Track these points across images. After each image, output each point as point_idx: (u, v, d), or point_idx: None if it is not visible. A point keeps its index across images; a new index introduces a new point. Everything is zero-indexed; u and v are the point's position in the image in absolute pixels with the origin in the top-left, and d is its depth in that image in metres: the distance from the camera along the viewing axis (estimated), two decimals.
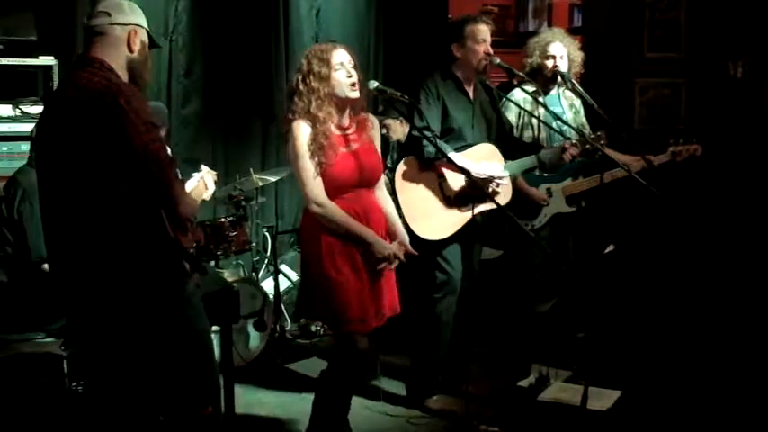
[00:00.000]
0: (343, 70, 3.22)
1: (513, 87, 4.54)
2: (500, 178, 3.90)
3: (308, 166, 3.14)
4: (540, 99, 4.34)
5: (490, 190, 3.84)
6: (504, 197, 3.98)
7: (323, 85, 3.19)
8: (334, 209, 3.17)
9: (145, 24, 2.72)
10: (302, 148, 3.15)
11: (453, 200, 3.92)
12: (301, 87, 3.19)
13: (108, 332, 2.60)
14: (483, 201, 3.83)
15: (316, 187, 3.16)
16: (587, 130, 4.41)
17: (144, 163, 2.48)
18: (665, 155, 4.31)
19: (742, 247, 5.25)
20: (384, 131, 5.22)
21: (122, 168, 2.48)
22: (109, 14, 2.64)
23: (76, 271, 2.57)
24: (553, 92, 4.50)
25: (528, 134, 4.46)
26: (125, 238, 2.51)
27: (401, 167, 3.91)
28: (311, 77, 3.19)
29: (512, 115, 4.43)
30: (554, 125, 4.21)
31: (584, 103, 4.47)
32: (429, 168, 3.90)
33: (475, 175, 3.73)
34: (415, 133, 3.76)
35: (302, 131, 3.15)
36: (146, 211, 2.53)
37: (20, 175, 3.92)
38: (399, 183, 3.88)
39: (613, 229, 5.12)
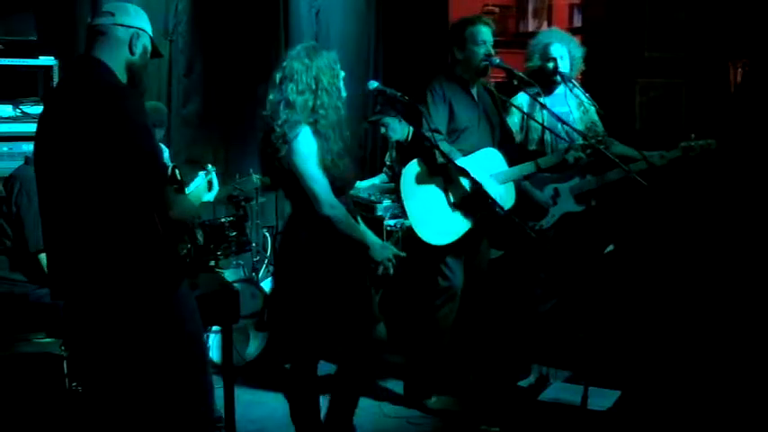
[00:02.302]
0: (340, 72, 3.22)
1: (512, 87, 4.54)
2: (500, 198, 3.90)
3: (319, 170, 3.11)
4: (541, 100, 4.33)
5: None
6: (507, 202, 3.98)
7: (337, 94, 3.17)
8: (343, 209, 3.16)
9: (149, 30, 2.72)
10: (311, 153, 3.10)
11: (459, 205, 3.92)
12: (317, 102, 3.12)
13: (99, 331, 2.60)
14: (487, 209, 3.83)
15: (328, 189, 3.11)
16: (600, 128, 4.40)
17: (137, 166, 2.47)
18: (674, 150, 4.27)
19: (743, 246, 5.25)
20: (383, 131, 5.22)
21: (115, 170, 2.48)
22: (113, 15, 2.65)
23: (72, 269, 2.57)
24: (559, 90, 4.47)
25: (532, 135, 4.46)
26: (117, 239, 2.51)
27: (407, 170, 3.90)
28: (325, 93, 3.13)
29: (515, 118, 4.43)
30: (558, 126, 4.20)
31: (598, 99, 4.44)
32: (436, 172, 3.90)
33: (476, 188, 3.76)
34: (428, 134, 3.76)
35: (309, 140, 3.10)
36: (138, 213, 2.53)
37: (17, 171, 3.93)
38: (405, 186, 3.88)
39: (614, 228, 5.12)
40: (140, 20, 2.70)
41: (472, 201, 3.87)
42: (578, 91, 4.48)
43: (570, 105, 4.38)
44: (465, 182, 3.83)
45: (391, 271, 3.26)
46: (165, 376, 2.65)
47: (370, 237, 3.27)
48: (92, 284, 2.54)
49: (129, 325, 2.56)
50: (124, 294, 2.54)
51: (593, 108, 4.50)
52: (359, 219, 3.38)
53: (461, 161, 3.83)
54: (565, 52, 4.42)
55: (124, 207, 2.51)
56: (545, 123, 4.34)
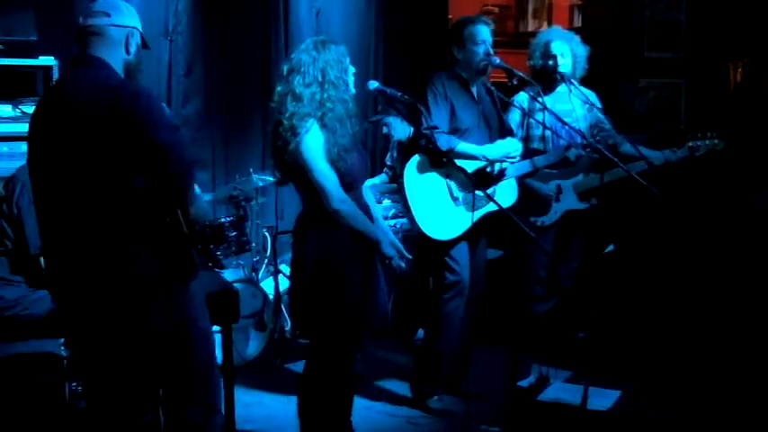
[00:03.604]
0: (349, 68, 3.22)
1: (511, 87, 4.54)
2: (513, 157, 3.95)
3: (327, 165, 3.10)
4: (541, 99, 4.33)
5: (499, 168, 3.89)
6: (508, 199, 3.99)
7: (344, 88, 3.17)
8: (353, 204, 3.15)
9: (140, 27, 2.73)
10: (319, 148, 3.09)
11: (461, 199, 3.93)
12: (324, 95, 3.11)
13: (114, 328, 2.59)
14: (489, 201, 3.84)
15: (337, 183, 3.10)
16: (607, 125, 4.40)
17: (167, 163, 2.47)
18: (681, 150, 4.27)
19: (743, 246, 5.25)
20: (385, 130, 5.21)
21: (139, 165, 2.47)
22: (108, 15, 2.63)
23: (84, 268, 2.55)
24: (561, 88, 4.45)
25: (533, 132, 4.46)
26: (137, 234, 2.51)
27: (409, 166, 3.91)
28: (332, 86, 3.13)
29: (516, 116, 4.43)
30: (558, 124, 4.20)
31: (601, 98, 4.44)
32: (437, 167, 3.90)
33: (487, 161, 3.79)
34: (426, 132, 3.75)
35: (317, 135, 3.09)
36: (160, 208, 2.53)
37: (19, 172, 3.92)
38: (408, 182, 3.89)
39: (615, 228, 5.12)
40: (132, 18, 2.70)
41: (475, 193, 3.87)
42: (581, 89, 4.48)
43: (573, 103, 4.36)
44: (471, 164, 3.84)
45: (403, 265, 3.26)
46: (183, 372, 2.65)
47: (381, 232, 3.27)
48: (110, 286, 2.53)
49: (149, 324, 2.56)
50: (143, 294, 2.53)
51: (600, 105, 4.50)
52: (375, 213, 3.39)
53: (463, 145, 3.84)
54: (566, 50, 4.41)
55: (146, 205, 2.51)
56: (546, 121, 4.34)
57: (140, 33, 2.72)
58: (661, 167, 4.21)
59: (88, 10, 2.69)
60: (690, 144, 4.23)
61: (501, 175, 3.94)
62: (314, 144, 3.08)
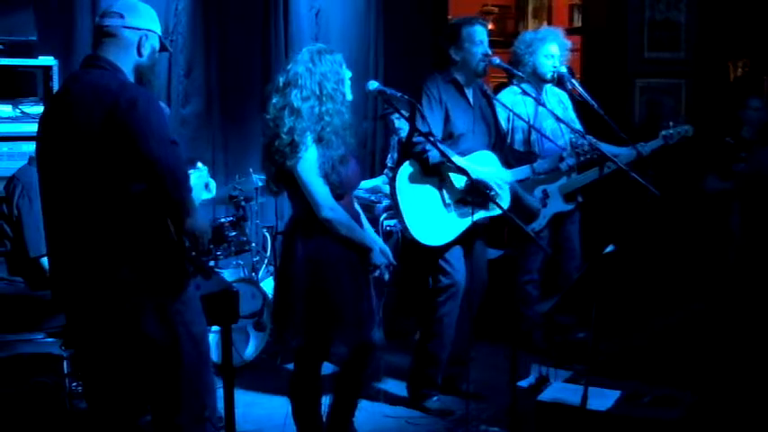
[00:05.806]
0: (346, 75, 3.21)
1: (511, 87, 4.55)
2: (499, 187, 3.89)
3: (319, 178, 3.12)
4: (541, 99, 4.35)
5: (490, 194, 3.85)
6: (503, 203, 3.98)
7: (341, 99, 3.17)
8: (343, 212, 3.17)
9: (157, 29, 2.69)
10: (313, 162, 3.11)
11: (454, 205, 3.92)
12: (323, 109, 3.11)
13: (106, 334, 2.59)
14: (483, 206, 3.82)
15: (327, 194, 3.13)
16: (576, 126, 4.42)
17: (159, 176, 2.45)
18: (656, 140, 4.34)
19: (744, 244, 5.25)
20: (396, 124, 5.20)
21: (130, 172, 2.46)
22: (122, 16, 2.61)
23: (77, 270, 2.56)
24: (548, 89, 4.53)
25: (518, 137, 4.47)
26: (127, 239, 2.50)
27: (401, 171, 3.89)
28: (329, 99, 3.13)
29: (501, 119, 4.43)
30: (549, 125, 4.23)
31: (573, 99, 4.48)
32: (430, 172, 3.88)
33: (475, 179, 3.75)
34: (416, 139, 3.75)
35: (314, 151, 3.11)
36: (151, 214, 2.52)
37: (19, 173, 3.92)
38: (400, 187, 3.86)
39: (614, 227, 5.12)
40: (149, 20, 2.67)
41: (468, 200, 3.86)
42: (558, 90, 4.53)
43: (551, 104, 4.44)
44: (462, 180, 3.81)
45: (386, 276, 3.29)
46: (171, 378, 2.64)
47: (371, 240, 3.28)
48: (100, 289, 2.53)
49: (135, 325, 2.55)
50: (133, 298, 2.53)
51: (571, 106, 4.54)
52: (363, 220, 3.39)
53: (457, 160, 3.83)
54: (558, 51, 4.47)
55: (135, 208, 2.49)
56: (533, 124, 4.38)
57: (158, 37, 2.69)
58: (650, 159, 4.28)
59: (105, 10, 2.67)
60: (663, 133, 4.34)
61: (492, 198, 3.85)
62: (310, 159, 3.10)
